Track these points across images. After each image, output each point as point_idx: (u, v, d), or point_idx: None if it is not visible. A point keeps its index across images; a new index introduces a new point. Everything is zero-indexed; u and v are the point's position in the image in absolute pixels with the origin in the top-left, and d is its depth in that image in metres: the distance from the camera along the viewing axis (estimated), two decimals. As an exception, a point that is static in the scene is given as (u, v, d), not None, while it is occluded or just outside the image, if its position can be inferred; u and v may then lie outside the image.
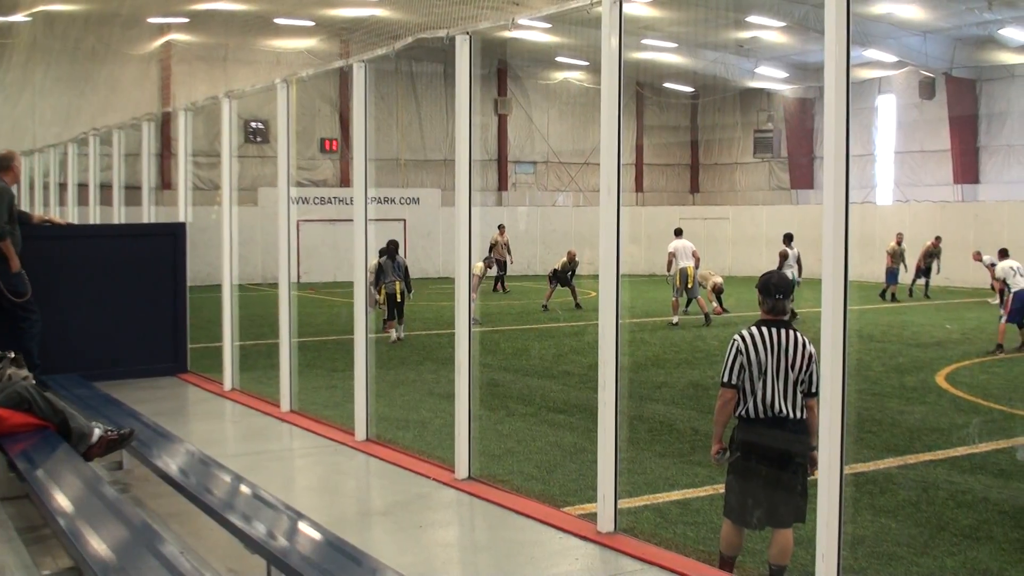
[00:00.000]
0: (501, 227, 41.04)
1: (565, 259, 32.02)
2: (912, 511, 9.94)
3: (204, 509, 8.11)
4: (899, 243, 35.65)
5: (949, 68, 44.22)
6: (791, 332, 7.78)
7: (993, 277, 22.71)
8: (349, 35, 43.75)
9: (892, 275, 35.26)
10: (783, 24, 41.02)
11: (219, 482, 8.73)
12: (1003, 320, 21.30)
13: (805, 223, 44.60)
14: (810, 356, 7.72)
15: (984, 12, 37.55)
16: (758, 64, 49.16)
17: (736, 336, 7.83)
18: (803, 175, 52.32)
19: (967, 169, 45.25)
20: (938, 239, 36.02)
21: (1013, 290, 21.12)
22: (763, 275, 8.14)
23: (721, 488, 10.46)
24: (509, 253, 40.16)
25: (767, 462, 7.81)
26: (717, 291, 29.01)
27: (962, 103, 45.05)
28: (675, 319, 26.67)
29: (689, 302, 28.71)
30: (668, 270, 27.82)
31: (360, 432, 12.67)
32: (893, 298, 34.35)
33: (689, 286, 27.22)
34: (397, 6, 36.01)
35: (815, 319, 7.23)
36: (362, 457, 12.02)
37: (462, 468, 10.78)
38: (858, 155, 46.40)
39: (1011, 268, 21.60)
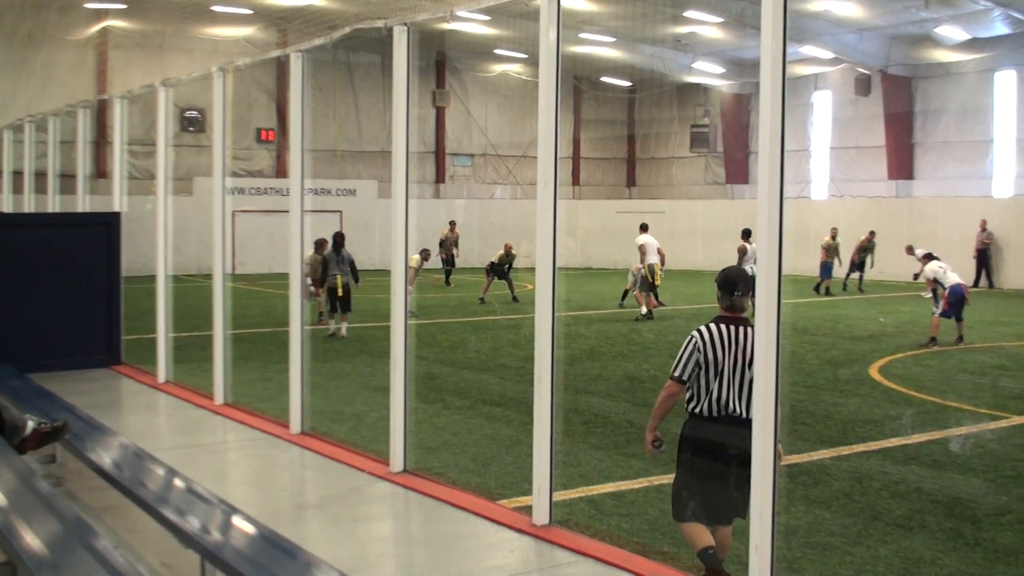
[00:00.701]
0: (452, 223, 40.93)
1: (502, 252, 32.05)
2: (846, 501, 10.04)
3: (138, 503, 8.05)
4: (833, 237, 35.92)
5: (885, 65, 44.60)
6: (749, 330, 7.57)
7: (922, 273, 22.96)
8: (287, 24, 43.46)
9: (826, 269, 35.59)
10: (720, 20, 41.21)
11: (153, 476, 8.67)
12: (936, 314, 21.54)
13: (741, 217, 44.92)
14: None
15: (920, 10, 37.90)
16: (695, 59, 49.34)
17: (695, 332, 7.61)
18: (739, 170, 52.65)
19: (902, 165, 45.70)
20: (872, 233, 36.35)
21: (948, 285, 21.37)
22: (722, 271, 7.93)
23: (656, 480, 10.57)
24: (456, 247, 40.10)
25: (716, 461, 7.70)
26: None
27: (897, 100, 45.45)
28: (644, 310, 26.37)
29: (625, 295, 28.85)
30: (640, 263, 27.37)
31: (295, 425, 12.63)
32: (827, 292, 34.64)
33: (657, 283, 26.95)
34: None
35: (750, 313, 7.29)
36: (297, 450, 11.98)
37: (397, 461, 10.78)
38: (793, 150, 46.69)
39: (940, 267, 21.85)
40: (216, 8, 40.99)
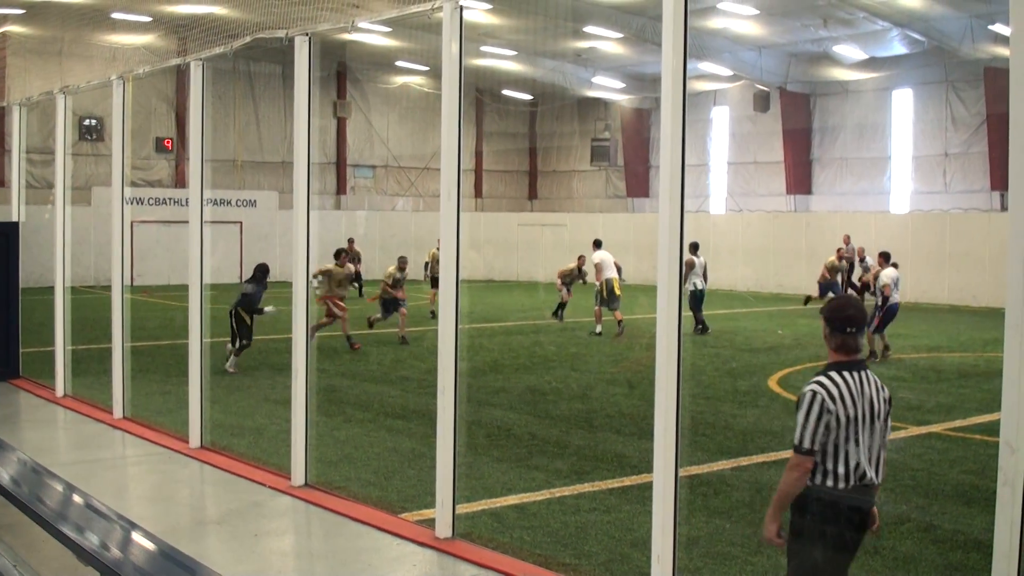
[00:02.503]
0: (351, 241, 39.49)
1: (436, 249, 31.33)
2: (746, 512, 10.14)
3: (36, 520, 7.92)
4: (841, 259, 33.04)
5: (784, 82, 45.23)
6: (870, 375, 6.19)
7: (873, 281, 21.83)
8: (187, 33, 42.91)
9: (828, 288, 32.00)
10: (620, 35, 41.52)
11: (51, 492, 8.52)
12: (871, 330, 20.61)
13: (641, 231, 45.40)
14: (889, 400, 6.30)
15: (819, 29, 38.49)
16: (595, 74, 49.68)
17: (815, 387, 6.06)
18: (639, 183, 53.06)
19: (800, 180, 46.33)
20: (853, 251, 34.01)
21: (890, 302, 20.99)
22: (831, 301, 6.42)
23: (557, 492, 10.59)
24: (358, 262, 38.71)
25: (847, 543, 6.23)
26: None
27: (796, 116, 46.08)
28: (598, 328, 26.11)
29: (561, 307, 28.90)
30: (597, 279, 26.96)
31: (194, 439, 12.51)
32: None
33: (618, 294, 26.51)
34: (235, 4, 35.45)
35: (651, 324, 7.34)
36: (196, 465, 11.86)
37: (298, 475, 10.72)
38: (693, 165, 47.18)
39: (896, 277, 21.40)
40: (116, 15, 40.47)
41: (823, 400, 5.96)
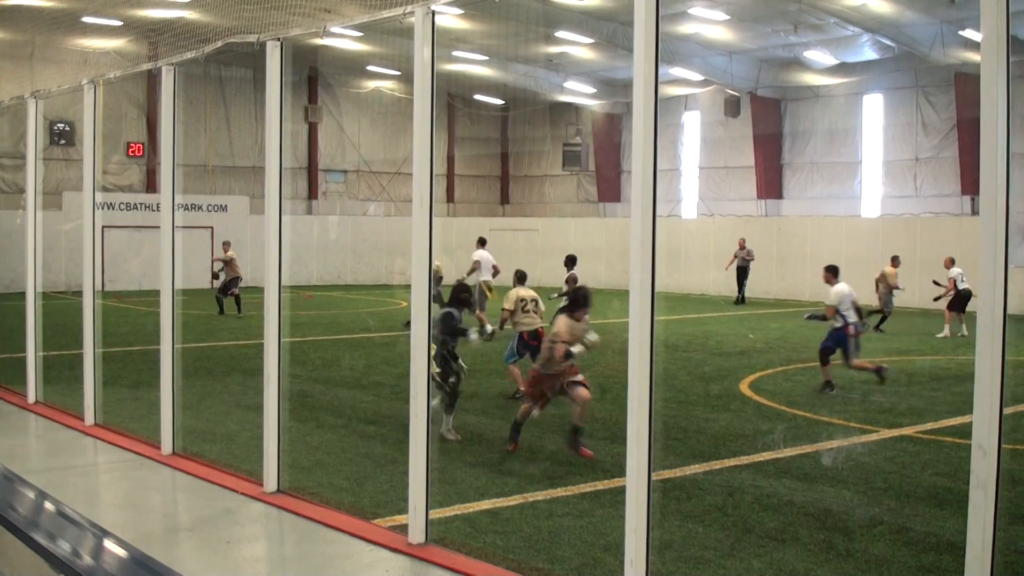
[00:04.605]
0: (226, 243, 34.58)
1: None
2: (718, 515, 10.17)
3: (7, 527, 7.86)
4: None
5: (754, 88, 45.34)
6: None
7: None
8: (158, 37, 42.73)
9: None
10: (591, 41, 41.56)
11: (22, 499, 8.46)
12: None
13: (612, 235, 45.48)
14: None
15: (790, 35, 38.62)
16: (567, 79, 49.74)
17: None
18: (610, 188, 53.14)
19: (771, 185, 46.47)
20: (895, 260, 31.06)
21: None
22: None
23: (530, 497, 10.59)
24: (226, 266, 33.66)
25: None
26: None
27: (766, 121, 46.21)
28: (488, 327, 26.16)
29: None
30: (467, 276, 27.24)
31: (166, 446, 12.46)
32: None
33: (487, 295, 26.73)
34: (207, 9, 35.30)
35: (623, 329, 7.35)
36: (168, 471, 11.82)
37: (271, 481, 10.69)
38: (664, 170, 47.24)
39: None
40: (87, 19, 40.32)
41: None
